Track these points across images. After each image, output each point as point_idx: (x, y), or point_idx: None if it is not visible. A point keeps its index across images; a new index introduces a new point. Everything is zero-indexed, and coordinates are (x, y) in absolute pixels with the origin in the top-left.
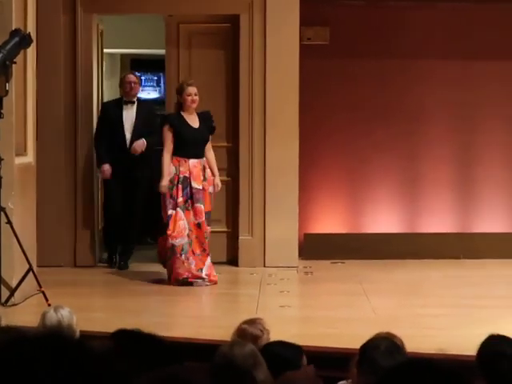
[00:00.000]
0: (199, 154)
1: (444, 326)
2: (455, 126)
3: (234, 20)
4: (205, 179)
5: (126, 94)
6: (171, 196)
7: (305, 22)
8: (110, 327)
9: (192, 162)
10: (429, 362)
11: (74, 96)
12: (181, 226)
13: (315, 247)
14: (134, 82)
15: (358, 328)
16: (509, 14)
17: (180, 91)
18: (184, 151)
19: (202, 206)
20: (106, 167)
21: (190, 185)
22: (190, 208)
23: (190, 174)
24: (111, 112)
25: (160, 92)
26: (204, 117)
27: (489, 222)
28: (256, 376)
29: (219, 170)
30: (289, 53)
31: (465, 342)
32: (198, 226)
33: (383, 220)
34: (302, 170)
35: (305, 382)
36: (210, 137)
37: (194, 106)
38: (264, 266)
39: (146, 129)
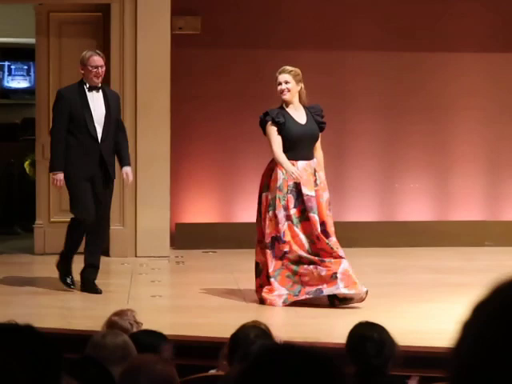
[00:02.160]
0: (309, 154)
1: (315, 315)
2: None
3: (104, 9)
4: (316, 185)
5: (91, 80)
6: (283, 207)
7: (176, 11)
8: None
9: (301, 164)
10: (298, 347)
11: None
12: (298, 242)
13: (187, 237)
14: (102, 66)
15: (228, 317)
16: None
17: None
18: (291, 152)
19: (316, 216)
20: (61, 177)
21: (301, 191)
22: (307, 219)
23: (300, 179)
24: (74, 101)
25: (30, 81)
26: (313, 111)
27: (359, 212)
28: (116, 369)
29: None
30: (160, 42)
31: (335, 329)
32: (317, 238)
33: (253, 209)
34: (174, 159)
35: (154, 365)
36: (320, 135)
37: (287, 97)
38: (135, 256)
39: (116, 123)
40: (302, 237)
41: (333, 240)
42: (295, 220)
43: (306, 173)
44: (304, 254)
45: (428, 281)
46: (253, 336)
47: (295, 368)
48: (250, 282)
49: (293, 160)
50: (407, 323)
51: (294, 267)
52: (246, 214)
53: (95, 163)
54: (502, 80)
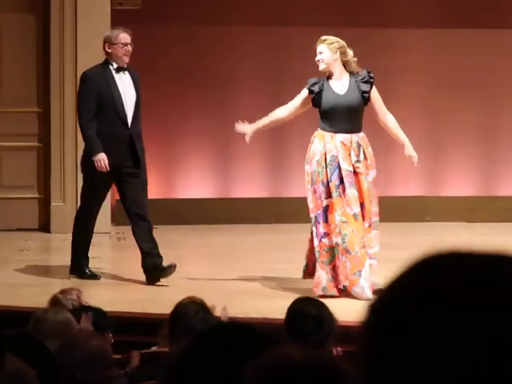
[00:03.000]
0: (349, 127)
1: (256, 291)
2: (267, 92)
3: None
4: (358, 161)
5: (120, 59)
6: (322, 182)
7: None
8: None
9: (339, 137)
10: (241, 324)
11: None
12: (336, 218)
13: None
14: (131, 43)
15: (170, 294)
16: None
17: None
18: (329, 123)
19: (356, 193)
20: (103, 156)
21: (339, 166)
22: (342, 195)
23: (337, 152)
24: (102, 83)
25: None
26: (359, 78)
27: (297, 188)
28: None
29: (30, 135)
30: (100, 18)
31: (275, 305)
32: (355, 216)
33: (197, 185)
34: None
35: (89, 340)
36: (376, 102)
37: (321, 67)
38: None
39: (139, 103)
40: (335, 215)
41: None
42: (335, 193)
43: (345, 147)
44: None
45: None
46: (191, 312)
47: (237, 345)
48: (194, 259)
49: (332, 132)
50: (348, 299)
51: (329, 256)
52: (189, 190)
53: (124, 151)
54: (439, 55)
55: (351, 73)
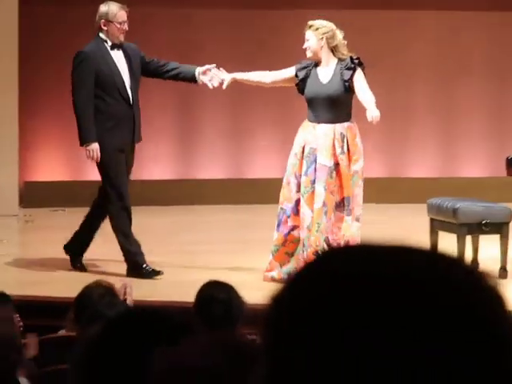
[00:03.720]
0: (331, 117)
1: (168, 272)
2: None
3: None
4: (343, 152)
5: (116, 37)
6: (295, 175)
7: None
8: None
9: (321, 128)
10: (152, 310)
11: None
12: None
13: (36, 195)
14: (127, 21)
15: (75, 276)
16: None
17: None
18: (311, 113)
19: (322, 189)
20: (97, 147)
21: (316, 160)
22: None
23: (317, 144)
24: (100, 62)
25: None
26: (343, 65)
27: (209, 169)
28: None
29: None
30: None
31: (187, 288)
32: (319, 212)
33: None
34: (24, 118)
35: None
36: (357, 84)
37: (308, 54)
38: None
39: (138, 80)
40: (306, 211)
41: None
42: (303, 189)
43: (327, 138)
44: (303, 235)
45: None
46: (96, 296)
47: (148, 332)
48: (104, 241)
49: (314, 122)
50: (257, 278)
51: (296, 248)
52: (96, 172)
53: (129, 130)
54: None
55: (339, 59)
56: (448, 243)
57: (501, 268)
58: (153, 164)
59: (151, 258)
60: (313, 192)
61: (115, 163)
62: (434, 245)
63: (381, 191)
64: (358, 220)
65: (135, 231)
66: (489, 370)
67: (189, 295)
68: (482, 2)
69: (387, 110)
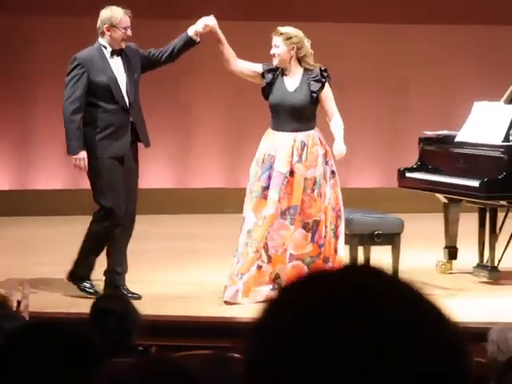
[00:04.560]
0: (293, 126)
1: (58, 285)
2: None
3: None
4: (299, 161)
5: (119, 44)
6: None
7: None
8: None
9: (280, 136)
10: (49, 323)
11: None
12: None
13: None
14: (130, 26)
15: None
16: None
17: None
18: (273, 120)
19: (276, 196)
20: (84, 155)
21: (272, 167)
22: (265, 196)
23: (276, 151)
24: (95, 68)
25: None
26: (311, 76)
27: None
28: None
29: None
30: None
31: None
32: (264, 220)
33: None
34: None
35: None
36: (325, 100)
37: (275, 62)
38: None
39: (138, 82)
40: (250, 215)
41: (297, 233)
42: (253, 193)
43: (285, 146)
44: (243, 239)
45: (171, 248)
46: None
47: (49, 344)
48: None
49: (275, 130)
50: (155, 290)
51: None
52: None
53: (126, 137)
54: None
55: (305, 69)
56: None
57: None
58: (44, 174)
59: (43, 270)
60: (262, 198)
61: (108, 171)
62: None
63: None
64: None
65: (25, 240)
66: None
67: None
68: (364, 15)
69: None
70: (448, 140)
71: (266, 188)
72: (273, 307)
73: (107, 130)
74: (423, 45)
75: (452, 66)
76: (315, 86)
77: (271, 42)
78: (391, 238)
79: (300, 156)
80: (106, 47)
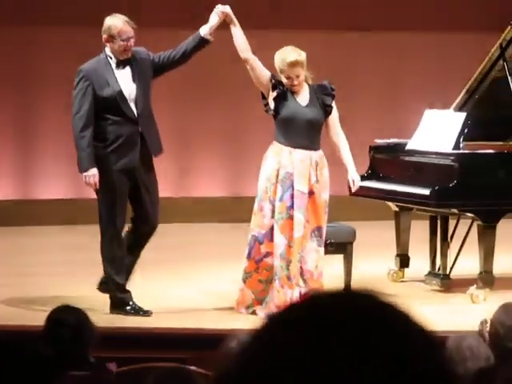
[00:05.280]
0: (309, 144)
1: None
2: None
3: None
4: (317, 181)
5: (120, 55)
6: (269, 200)
7: None
8: None
9: (298, 154)
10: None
11: None
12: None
13: None
14: (133, 37)
15: None
16: None
17: (279, 69)
18: (286, 137)
19: (302, 217)
20: (95, 172)
21: (293, 186)
22: (291, 217)
23: (294, 169)
24: (100, 81)
25: None
26: (320, 90)
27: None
28: None
29: None
30: None
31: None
32: (298, 241)
33: None
34: None
35: None
36: (334, 118)
37: (297, 88)
38: None
39: (147, 89)
40: (280, 238)
41: (319, 251)
42: (277, 216)
43: (303, 165)
44: (277, 263)
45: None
46: None
47: None
48: None
49: (289, 147)
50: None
51: (270, 275)
52: None
53: (135, 148)
54: None
55: (308, 83)
56: None
57: (345, 287)
58: None
59: None
60: (289, 219)
61: (115, 184)
62: None
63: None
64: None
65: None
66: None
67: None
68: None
69: (226, 133)
70: (399, 148)
71: (291, 207)
72: (266, 327)
73: (116, 143)
74: (374, 53)
75: (403, 73)
76: (328, 100)
77: (283, 71)
78: (343, 246)
79: (316, 176)
80: (111, 57)
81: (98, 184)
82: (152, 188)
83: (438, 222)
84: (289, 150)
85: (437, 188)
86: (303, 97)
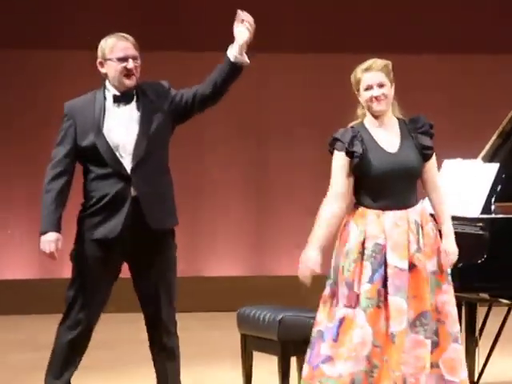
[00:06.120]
0: (403, 200)
1: None
2: None
3: None
4: (419, 249)
5: (120, 82)
6: (346, 282)
7: None
8: None
9: (390, 216)
10: None
11: None
12: (355, 339)
13: None
14: (134, 57)
15: None
16: None
17: (355, 84)
18: (374, 197)
19: (404, 303)
20: (52, 238)
21: (386, 261)
22: (381, 304)
23: (386, 239)
24: (88, 121)
25: None
26: (415, 127)
27: None
28: None
29: None
30: None
31: None
32: (393, 338)
33: None
34: None
35: None
36: (432, 165)
37: (382, 107)
38: None
39: (159, 136)
40: (365, 332)
41: (453, 348)
42: (364, 302)
43: (398, 230)
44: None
45: None
46: None
47: None
48: None
49: (377, 209)
50: None
51: None
52: None
53: (119, 216)
54: None
55: (397, 117)
56: (263, 367)
57: None
58: None
59: None
60: (380, 306)
61: (87, 261)
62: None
63: None
64: (456, 340)
65: None
66: None
67: None
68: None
69: None
70: None
71: (382, 291)
72: None
73: (98, 204)
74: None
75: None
76: (427, 141)
77: (358, 82)
78: None
79: (418, 242)
80: (108, 90)
81: (55, 254)
82: (156, 277)
83: (463, 309)
84: (376, 212)
85: (460, 265)
86: (389, 138)
